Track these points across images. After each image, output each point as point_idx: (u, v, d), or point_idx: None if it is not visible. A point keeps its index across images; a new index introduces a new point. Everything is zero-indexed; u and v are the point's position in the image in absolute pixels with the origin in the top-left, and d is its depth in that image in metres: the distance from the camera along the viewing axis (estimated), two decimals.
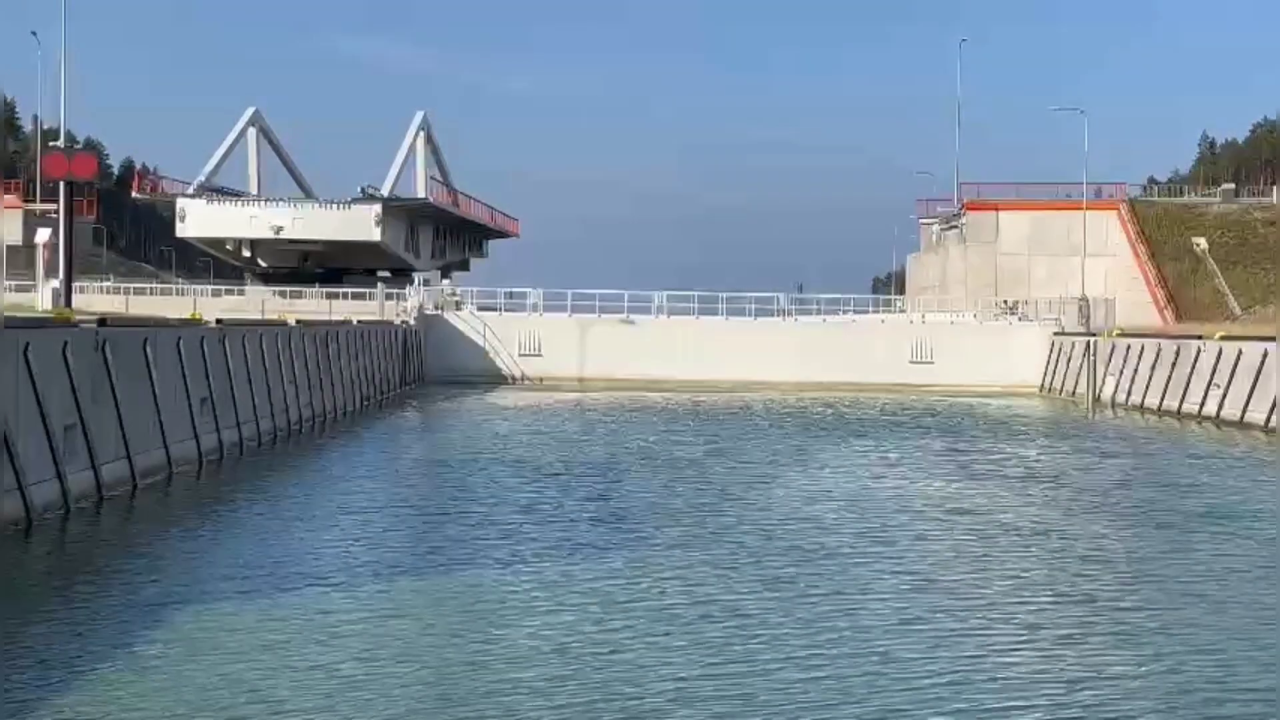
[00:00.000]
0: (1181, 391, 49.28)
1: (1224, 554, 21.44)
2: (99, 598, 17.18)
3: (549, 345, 66.93)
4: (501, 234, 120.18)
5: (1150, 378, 52.61)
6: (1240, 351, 45.15)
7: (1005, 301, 77.07)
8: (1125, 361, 55.52)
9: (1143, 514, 25.88)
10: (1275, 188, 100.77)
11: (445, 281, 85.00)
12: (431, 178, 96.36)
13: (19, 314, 29.11)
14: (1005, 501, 27.46)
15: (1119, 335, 58.49)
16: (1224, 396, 45.78)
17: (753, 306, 70.12)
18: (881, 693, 13.40)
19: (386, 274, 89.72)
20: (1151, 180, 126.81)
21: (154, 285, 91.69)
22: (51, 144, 53.51)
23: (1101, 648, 15.34)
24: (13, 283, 69.48)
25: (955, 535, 23.19)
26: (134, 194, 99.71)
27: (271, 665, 14.14)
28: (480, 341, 67.59)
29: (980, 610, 17.07)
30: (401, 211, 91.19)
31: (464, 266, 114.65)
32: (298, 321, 45.55)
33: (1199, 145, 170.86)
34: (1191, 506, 26.94)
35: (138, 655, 14.45)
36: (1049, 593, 18.34)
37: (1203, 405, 47.24)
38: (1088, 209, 76.43)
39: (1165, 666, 14.52)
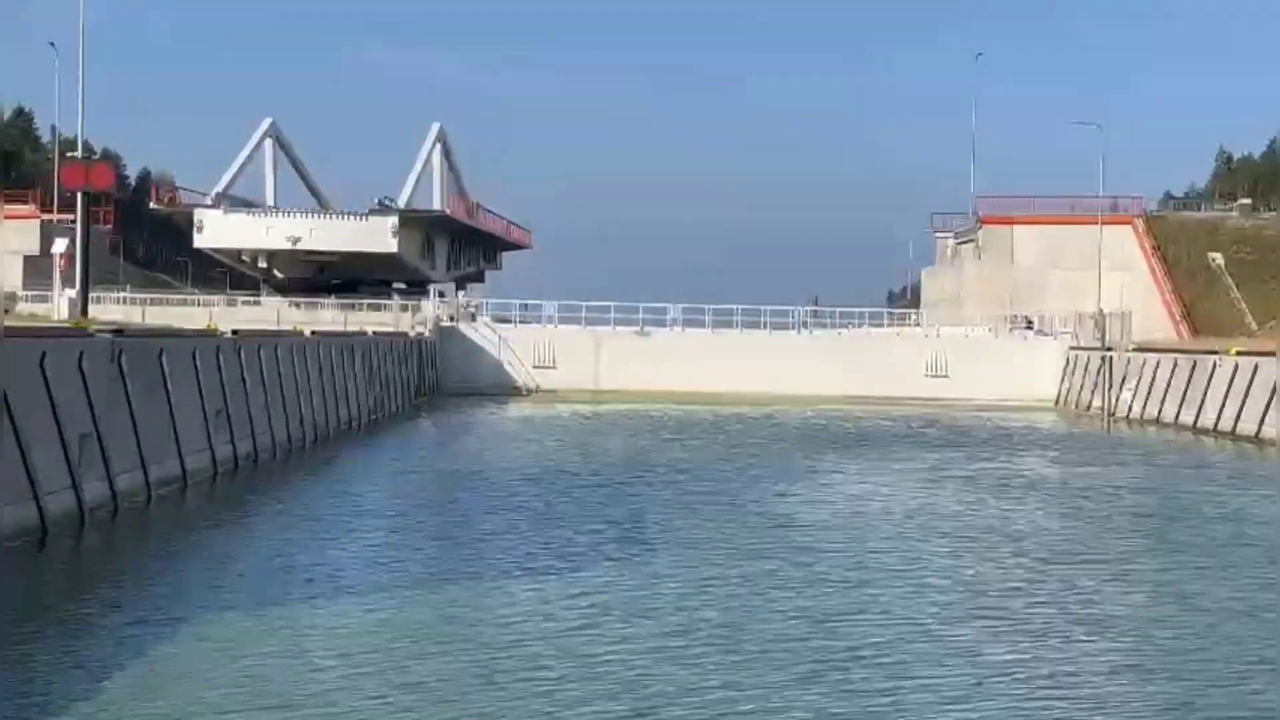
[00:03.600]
0: (1197, 406, 49.12)
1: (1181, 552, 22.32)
2: (112, 607, 17.23)
3: (563, 357, 66.93)
4: (516, 245, 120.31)
5: (1166, 392, 52.46)
6: (1256, 367, 45.01)
7: (1019, 316, 76.82)
8: (1141, 376, 55.38)
9: (1125, 518, 26.62)
10: None
11: (460, 293, 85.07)
12: (447, 189, 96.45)
13: (36, 323, 29.21)
14: (1004, 512, 27.64)
15: (1135, 350, 58.33)
16: (1240, 412, 45.63)
17: (768, 319, 70.07)
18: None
19: (402, 285, 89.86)
20: (1168, 195, 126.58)
21: (170, 296, 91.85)
22: (69, 154, 53.67)
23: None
24: (30, 292, 69.75)
25: (938, 540, 23.76)
26: (151, 204, 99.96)
27: (284, 673, 14.18)
28: (495, 353, 67.60)
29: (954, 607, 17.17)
30: (418, 223, 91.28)
31: (479, 278, 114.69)
32: (313, 332, 45.66)
33: (1215, 160, 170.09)
34: (1171, 512, 27.88)
35: (151, 662, 14.51)
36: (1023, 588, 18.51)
37: (1218, 420, 47.09)
38: (1104, 223, 76.20)
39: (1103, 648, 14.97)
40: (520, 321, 70.93)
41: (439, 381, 65.54)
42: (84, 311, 36.95)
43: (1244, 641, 16.53)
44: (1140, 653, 16.07)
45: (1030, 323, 74.43)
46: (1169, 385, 52.28)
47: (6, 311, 22.46)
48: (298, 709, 13.01)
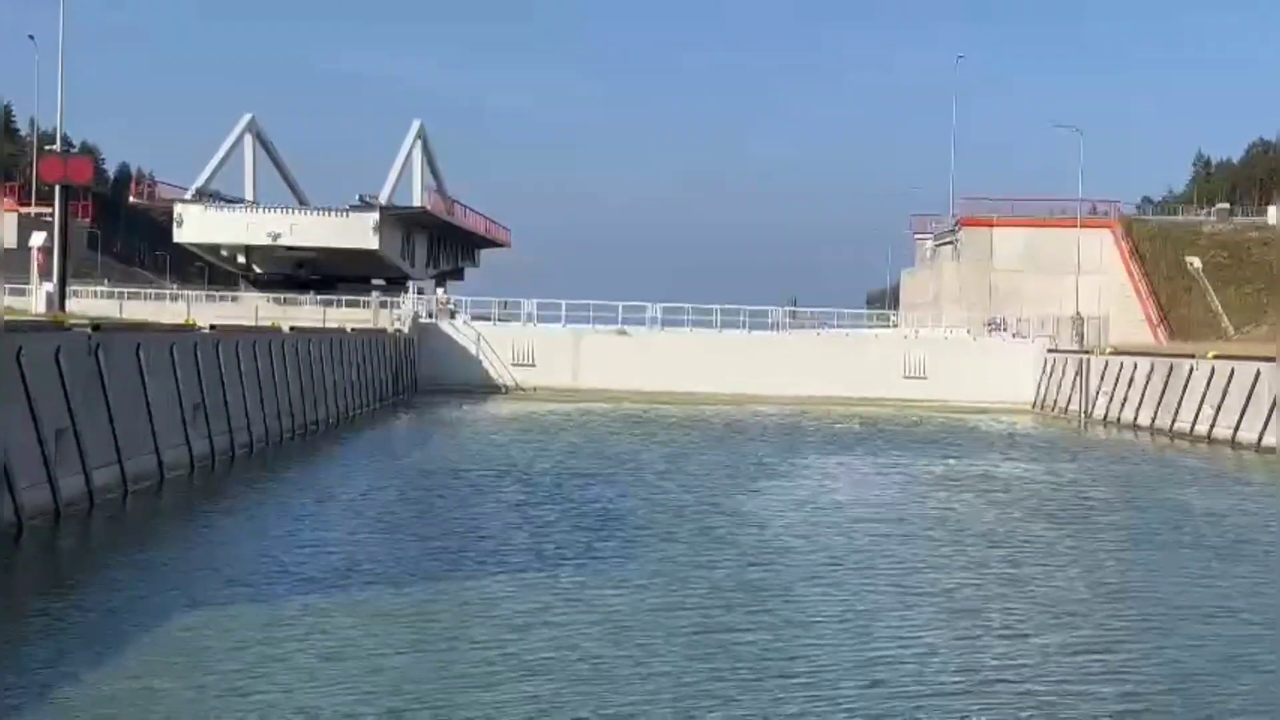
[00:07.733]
0: (1174, 410, 49.35)
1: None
2: (87, 603, 17.20)
3: (542, 355, 66.93)
4: (494, 243, 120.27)
5: (1142, 396, 52.71)
6: (1233, 371, 45.24)
7: (997, 319, 76.91)
8: (1118, 379, 55.61)
9: (1075, 510, 26.99)
10: (1271, 208, 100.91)
11: (439, 290, 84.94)
12: (427, 187, 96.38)
13: (12, 317, 29.09)
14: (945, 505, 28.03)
15: (1112, 353, 58.59)
16: (1216, 415, 45.86)
17: (747, 320, 70.14)
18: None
19: (381, 282, 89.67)
20: (1146, 199, 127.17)
21: (148, 290, 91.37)
22: (48, 148, 53.48)
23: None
24: (6, 286, 69.29)
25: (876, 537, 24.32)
26: (131, 199, 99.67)
27: (260, 669, 14.18)
28: (474, 351, 67.57)
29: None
30: (398, 220, 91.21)
31: (458, 275, 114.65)
32: (291, 329, 45.56)
33: (1194, 164, 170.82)
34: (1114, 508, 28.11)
35: (126, 659, 14.48)
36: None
37: (1194, 424, 47.32)
38: (1082, 226, 76.62)
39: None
40: (499, 319, 70.86)
41: (417, 379, 65.46)
42: (61, 305, 36.85)
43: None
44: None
45: (1002, 324, 74.50)
46: (1145, 388, 52.52)
47: None
48: (272, 704, 13.01)
